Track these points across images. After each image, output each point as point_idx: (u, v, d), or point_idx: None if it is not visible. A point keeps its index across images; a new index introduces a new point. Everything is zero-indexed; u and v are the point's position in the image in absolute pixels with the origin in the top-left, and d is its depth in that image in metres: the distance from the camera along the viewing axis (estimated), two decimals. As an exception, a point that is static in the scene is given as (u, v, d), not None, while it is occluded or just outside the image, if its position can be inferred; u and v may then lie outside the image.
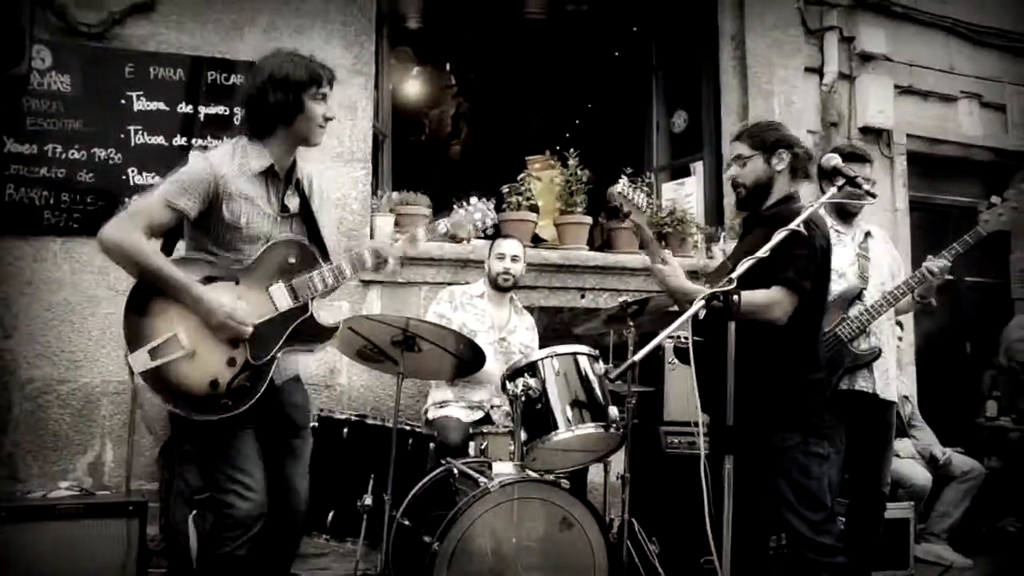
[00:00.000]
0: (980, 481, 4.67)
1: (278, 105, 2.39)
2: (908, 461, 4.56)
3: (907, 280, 3.37)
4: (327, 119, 2.47)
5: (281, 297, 2.42)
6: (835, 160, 2.49)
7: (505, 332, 3.93)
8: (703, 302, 2.16)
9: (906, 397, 4.94)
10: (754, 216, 2.80)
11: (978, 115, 6.08)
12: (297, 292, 2.43)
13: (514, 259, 3.93)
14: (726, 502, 2.12)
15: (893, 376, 3.52)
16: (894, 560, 4.15)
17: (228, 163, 2.39)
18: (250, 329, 2.33)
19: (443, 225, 2.77)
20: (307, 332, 2.47)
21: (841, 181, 2.43)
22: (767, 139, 2.72)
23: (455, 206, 2.84)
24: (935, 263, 3.29)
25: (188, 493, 3.47)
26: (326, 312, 2.61)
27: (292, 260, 2.45)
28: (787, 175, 2.71)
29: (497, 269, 3.91)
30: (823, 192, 2.79)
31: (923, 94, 5.87)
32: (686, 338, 2.87)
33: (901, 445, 4.61)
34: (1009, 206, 3.26)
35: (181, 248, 2.48)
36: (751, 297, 2.48)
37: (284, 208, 2.50)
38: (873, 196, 2.38)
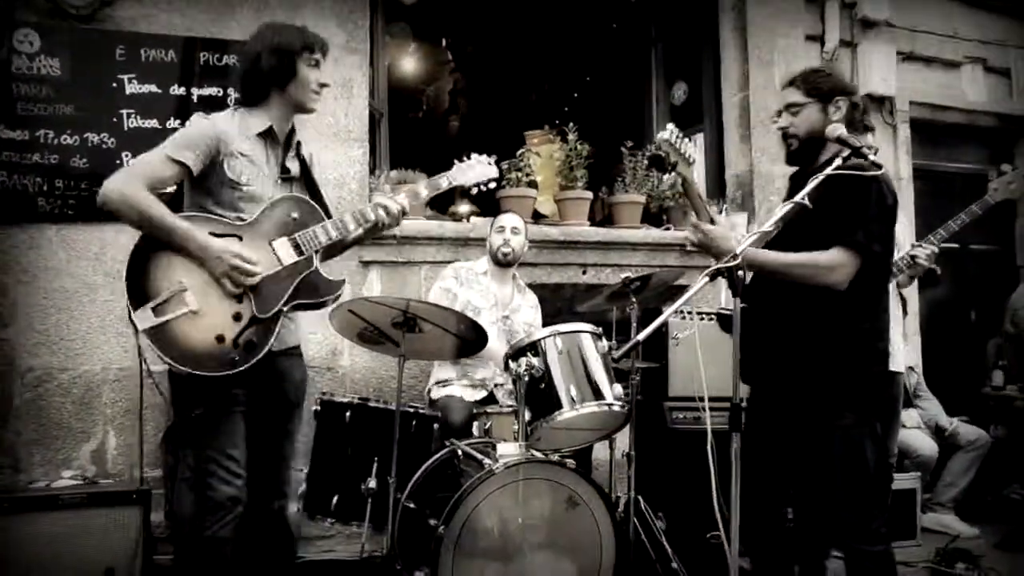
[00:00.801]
0: (986, 450, 4.68)
1: (272, 70, 2.43)
2: (914, 431, 4.56)
3: (896, 261, 3.35)
4: (321, 85, 2.51)
5: (285, 251, 2.42)
6: (840, 130, 2.41)
7: (508, 310, 3.90)
8: (706, 279, 2.11)
9: (912, 368, 4.93)
10: (804, 172, 2.59)
11: (982, 80, 6.00)
12: (300, 245, 2.44)
13: (514, 231, 3.89)
14: (734, 480, 2.08)
15: (898, 348, 3.50)
16: (901, 531, 4.16)
17: (229, 123, 2.43)
18: (258, 270, 2.33)
19: (444, 180, 2.77)
20: (312, 287, 2.48)
21: (846, 152, 2.37)
22: (823, 86, 2.53)
23: (455, 161, 2.84)
24: (922, 250, 3.27)
25: (192, 479, 3.45)
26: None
27: (294, 215, 2.47)
28: (843, 127, 2.47)
29: (496, 243, 3.88)
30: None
31: (926, 60, 5.79)
32: (728, 308, 2.78)
33: (907, 415, 4.61)
34: (1019, 174, 3.22)
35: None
36: (809, 259, 2.39)
37: (285, 170, 2.52)
38: (879, 167, 2.32)
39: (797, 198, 2.25)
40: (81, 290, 3.81)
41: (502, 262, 3.88)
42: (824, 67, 2.68)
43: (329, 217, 2.54)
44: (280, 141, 2.52)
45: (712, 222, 2.58)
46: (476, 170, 2.84)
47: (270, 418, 2.53)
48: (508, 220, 3.93)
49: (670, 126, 2.66)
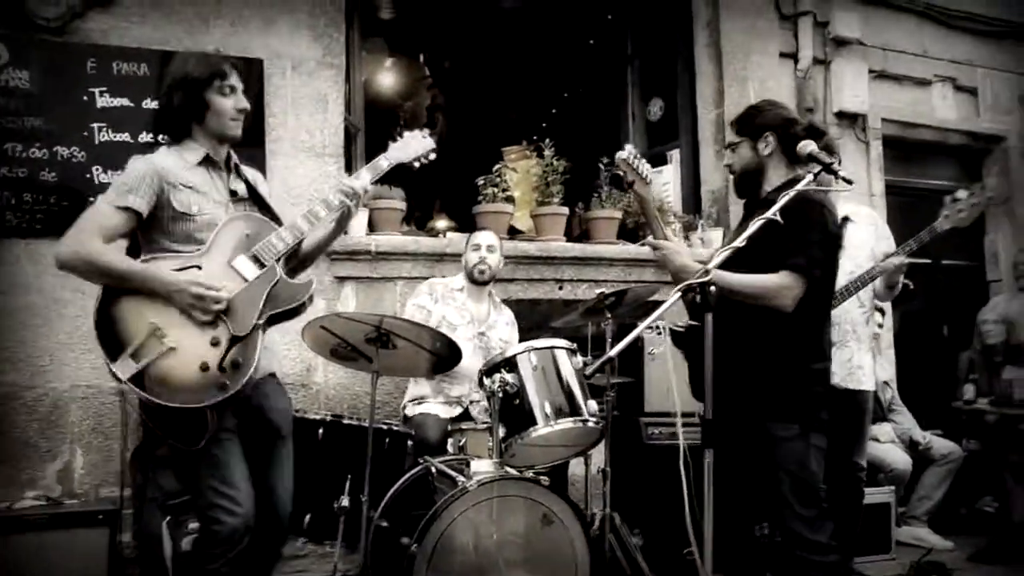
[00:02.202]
0: (959, 464, 4.72)
1: (183, 106, 2.41)
2: (888, 445, 4.59)
3: (862, 276, 3.36)
4: (239, 111, 2.47)
5: (246, 267, 2.40)
6: (811, 147, 2.44)
7: (484, 327, 3.88)
8: (679, 294, 2.12)
9: (886, 382, 4.96)
10: (753, 202, 2.73)
11: (952, 99, 6.10)
12: (260, 258, 2.42)
13: (489, 249, 3.88)
14: (706, 495, 2.08)
15: (863, 364, 3.46)
16: (876, 544, 4.18)
17: (167, 159, 2.40)
18: (224, 295, 2.30)
19: (384, 161, 2.74)
20: (283, 296, 2.45)
21: (817, 168, 2.39)
22: (752, 123, 2.68)
23: (390, 142, 2.82)
24: (885, 264, 3.28)
25: (162, 498, 3.40)
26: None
27: (247, 232, 2.44)
28: (780, 158, 2.64)
29: (473, 260, 3.86)
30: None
31: (897, 78, 5.88)
32: (682, 324, 2.82)
33: (881, 430, 4.64)
34: (970, 202, 3.21)
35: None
36: (757, 281, 2.45)
37: (232, 193, 2.51)
38: (849, 183, 2.34)
39: (768, 214, 2.26)
40: (49, 306, 3.75)
41: (478, 280, 3.87)
42: (761, 104, 2.79)
43: (279, 223, 2.52)
44: (221, 166, 2.50)
45: (666, 239, 2.69)
46: (412, 146, 2.81)
47: (258, 447, 2.47)
48: (484, 238, 3.92)
49: (628, 146, 2.78)
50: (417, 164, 2.83)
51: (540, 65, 7.50)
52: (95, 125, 3.84)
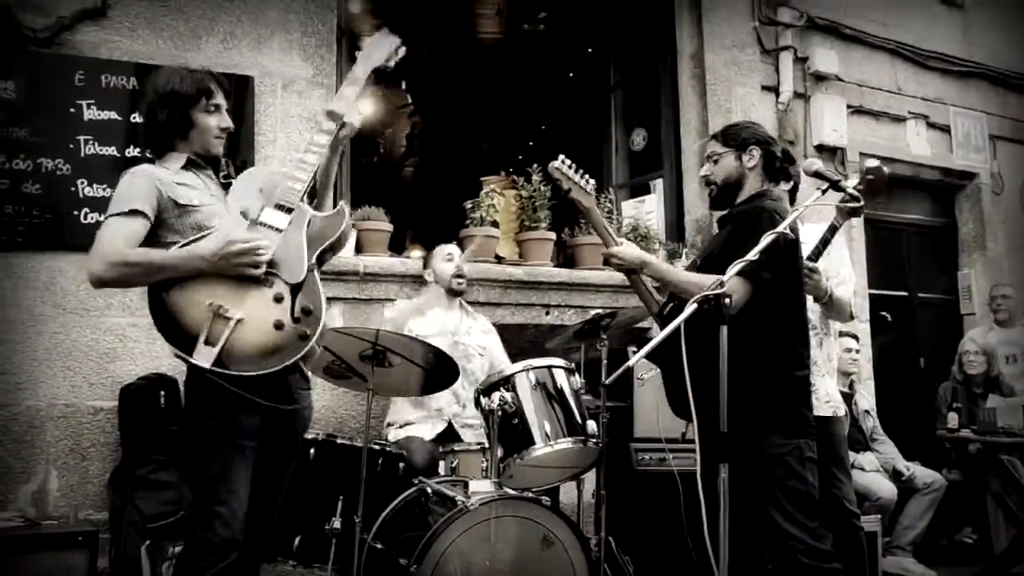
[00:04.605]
0: (942, 493, 4.73)
1: (168, 122, 2.38)
2: (873, 474, 4.60)
3: None
4: (223, 129, 2.45)
5: (275, 218, 2.33)
6: (817, 164, 2.47)
7: (459, 335, 3.82)
8: (695, 305, 2.10)
9: (867, 411, 4.99)
10: (726, 214, 2.80)
11: (925, 135, 6.25)
12: (284, 204, 2.35)
13: (460, 257, 3.89)
14: (722, 514, 2.04)
15: (816, 388, 3.27)
16: (862, 574, 4.15)
17: (156, 169, 2.37)
18: (265, 242, 2.23)
19: (359, 69, 2.64)
20: (321, 232, 2.38)
21: (825, 185, 2.41)
22: (739, 136, 2.74)
23: (356, 53, 2.74)
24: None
25: (141, 522, 3.30)
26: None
27: (260, 187, 2.40)
28: (759, 173, 2.71)
29: (451, 271, 3.83)
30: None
31: (874, 114, 6.01)
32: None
33: (865, 459, 4.65)
34: (852, 194, 3.12)
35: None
36: (702, 280, 2.41)
37: (226, 177, 2.50)
38: (859, 200, 2.36)
39: (779, 228, 2.28)
40: (27, 321, 3.62)
41: (456, 290, 3.84)
42: (744, 121, 2.92)
43: None
44: (204, 166, 2.47)
45: (618, 245, 2.79)
46: (380, 47, 2.70)
47: (271, 453, 2.39)
48: (453, 248, 3.94)
49: (561, 156, 2.85)
50: (391, 64, 2.73)
51: (522, 96, 7.57)
52: (81, 138, 3.75)
